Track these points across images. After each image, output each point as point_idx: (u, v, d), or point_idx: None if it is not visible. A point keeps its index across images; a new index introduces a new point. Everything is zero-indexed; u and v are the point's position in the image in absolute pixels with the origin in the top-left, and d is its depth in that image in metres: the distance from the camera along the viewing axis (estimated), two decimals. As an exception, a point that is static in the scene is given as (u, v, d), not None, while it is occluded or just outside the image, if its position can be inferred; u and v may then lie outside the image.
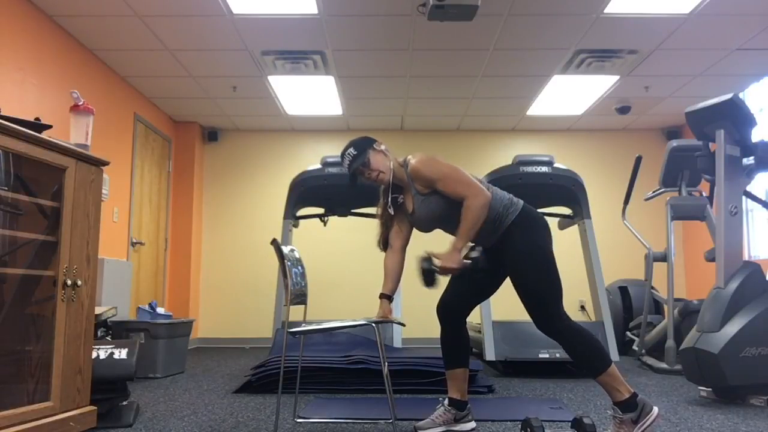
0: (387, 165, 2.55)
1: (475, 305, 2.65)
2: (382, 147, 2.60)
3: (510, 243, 2.44)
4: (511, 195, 2.55)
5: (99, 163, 2.59)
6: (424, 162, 2.47)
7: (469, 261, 2.38)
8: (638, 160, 5.00)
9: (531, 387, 3.81)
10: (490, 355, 4.26)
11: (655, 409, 2.27)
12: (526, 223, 2.44)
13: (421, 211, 2.52)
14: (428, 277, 2.38)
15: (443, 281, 2.49)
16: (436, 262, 2.37)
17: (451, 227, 2.51)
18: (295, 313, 2.73)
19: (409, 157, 2.55)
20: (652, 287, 5.06)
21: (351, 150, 2.55)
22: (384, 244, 2.66)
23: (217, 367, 4.94)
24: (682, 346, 3.31)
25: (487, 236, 2.46)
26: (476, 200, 2.37)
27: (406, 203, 2.59)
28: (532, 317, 2.39)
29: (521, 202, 2.52)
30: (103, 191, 2.89)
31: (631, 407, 2.25)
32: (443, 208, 2.47)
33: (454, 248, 2.38)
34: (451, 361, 2.59)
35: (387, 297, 2.60)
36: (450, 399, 2.58)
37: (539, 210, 4.89)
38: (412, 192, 2.53)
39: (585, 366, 2.34)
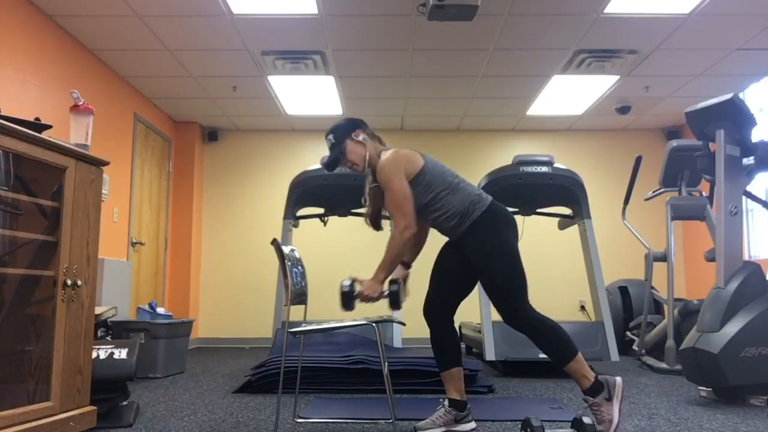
0: (361, 155, 2.62)
1: (458, 302, 2.64)
2: (360, 137, 2.63)
3: (474, 239, 2.48)
4: (481, 191, 2.57)
5: (99, 163, 2.59)
6: (386, 165, 2.49)
7: (387, 294, 2.47)
8: (638, 160, 5.01)
9: (531, 387, 3.81)
10: (490, 355, 4.26)
11: (618, 379, 2.35)
12: (490, 220, 2.48)
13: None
14: (346, 300, 2.43)
15: (360, 306, 2.54)
16: (357, 287, 2.45)
17: (425, 222, 2.60)
18: (295, 313, 2.73)
19: (386, 153, 2.57)
20: (652, 287, 5.06)
21: (330, 137, 2.67)
22: (372, 221, 2.69)
23: (217, 367, 4.94)
24: (682, 346, 3.30)
25: (452, 231, 2.52)
26: (400, 233, 2.42)
27: None
28: (498, 311, 2.46)
29: (489, 198, 2.54)
30: (103, 191, 2.89)
31: (599, 388, 2.32)
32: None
33: (376, 279, 2.45)
34: (444, 361, 2.58)
35: (404, 264, 2.67)
36: (450, 400, 2.58)
37: (539, 210, 4.96)
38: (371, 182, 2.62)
39: (553, 356, 2.40)
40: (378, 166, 2.53)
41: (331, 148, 2.65)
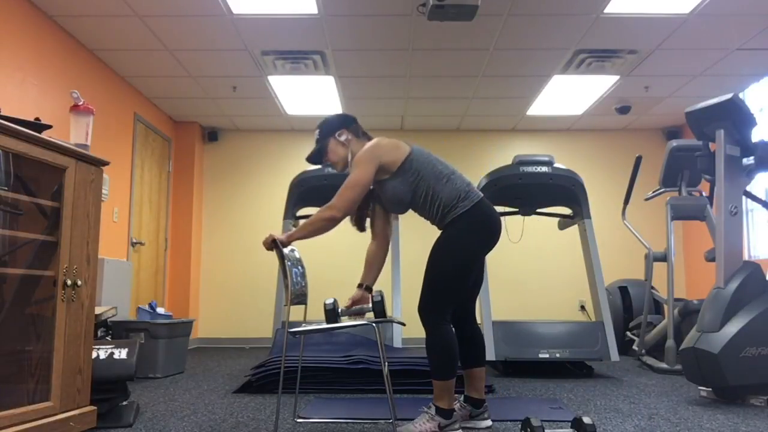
0: (341, 156, 2.65)
1: (469, 298, 2.65)
2: (343, 137, 2.64)
3: (447, 230, 2.48)
4: (471, 187, 2.53)
5: (99, 163, 2.59)
6: (361, 152, 2.52)
7: (372, 305, 2.57)
8: (638, 160, 5.01)
9: (531, 387, 3.81)
10: (490, 355, 4.26)
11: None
12: (468, 221, 2.44)
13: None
14: (330, 316, 2.59)
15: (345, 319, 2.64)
16: (340, 306, 2.63)
17: (419, 211, 2.59)
18: (295, 313, 2.74)
19: (369, 143, 2.60)
20: (652, 287, 5.06)
21: (317, 133, 2.70)
22: (357, 223, 2.74)
23: (217, 367, 4.94)
24: (682, 346, 3.30)
25: (436, 219, 2.53)
26: (327, 212, 2.47)
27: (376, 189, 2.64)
28: (420, 298, 2.47)
29: (478, 197, 2.49)
30: (103, 191, 2.89)
31: (446, 415, 2.37)
32: (403, 192, 2.53)
33: (288, 235, 2.52)
34: (466, 360, 2.62)
35: (364, 287, 2.69)
36: (465, 396, 2.62)
37: (539, 210, 4.96)
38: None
39: (432, 366, 2.41)
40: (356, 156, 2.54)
41: (316, 142, 2.70)
